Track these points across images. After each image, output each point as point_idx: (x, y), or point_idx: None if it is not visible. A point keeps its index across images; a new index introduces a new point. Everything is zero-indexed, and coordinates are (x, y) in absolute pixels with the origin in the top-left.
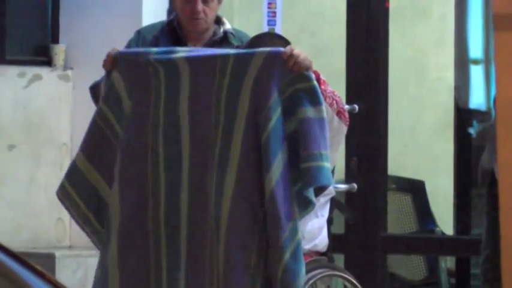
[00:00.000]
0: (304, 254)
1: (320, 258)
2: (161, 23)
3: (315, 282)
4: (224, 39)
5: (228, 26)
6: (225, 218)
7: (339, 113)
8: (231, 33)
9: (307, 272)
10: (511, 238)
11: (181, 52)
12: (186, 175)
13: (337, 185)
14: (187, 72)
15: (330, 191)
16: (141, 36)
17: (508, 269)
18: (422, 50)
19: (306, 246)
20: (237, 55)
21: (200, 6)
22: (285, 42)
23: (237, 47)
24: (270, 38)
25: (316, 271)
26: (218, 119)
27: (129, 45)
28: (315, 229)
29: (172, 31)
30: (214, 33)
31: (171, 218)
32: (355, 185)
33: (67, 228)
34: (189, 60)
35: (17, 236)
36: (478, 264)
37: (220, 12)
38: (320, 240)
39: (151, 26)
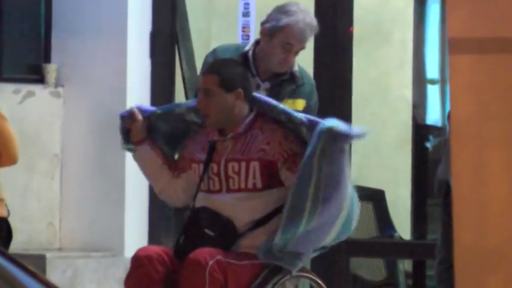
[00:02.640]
0: None
1: None
2: (236, 47)
3: (284, 283)
4: (290, 79)
5: (296, 67)
6: None
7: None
8: (296, 74)
9: (277, 273)
10: (463, 242)
11: None
12: None
13: None
14: None
15: None
16: (216, 55)
17: (461, 270)
18: (384, 71)
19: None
20: None
21: (292, 58)
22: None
23: (297, 86)
24: (230, 62)
25: (285, 272)
26: None
27: (205, 62)
28: None
29: (244, 62)
30: (284, 72)
31: None
32: None
33: (57, 231)
34: None
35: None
36: (433, 266)
37: (199, 36)
38: None
39: (226, 48)
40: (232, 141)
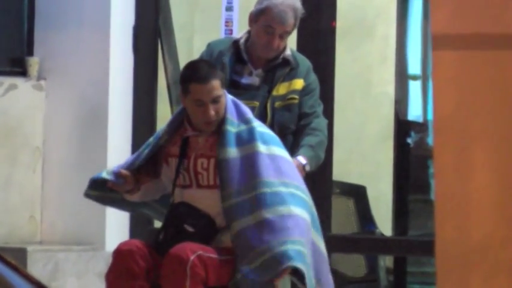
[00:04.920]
0: None
1: None
2: (230, 38)
3: None
4: (283, 63)
5: (288, 52)
6: None
7: None
8: (288, 58)
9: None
10: (444, 240)
11: None
12: None
13: None
14: None
15: None
16: (210, 49)
17: (442, 266)
18: (367, 66)
19: None
20: None
21: (277, 41)
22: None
23: (291, 70)
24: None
25: None
26: None
27: (201, 58)
28: None
29: (237, 50)
30: (276, 57)
31: None
32: None
33: (38, 225)
34: None
35: None
36: (414, 262)
37: (181, 31)
38: None
39: (220, 41)
40: (205, 136)
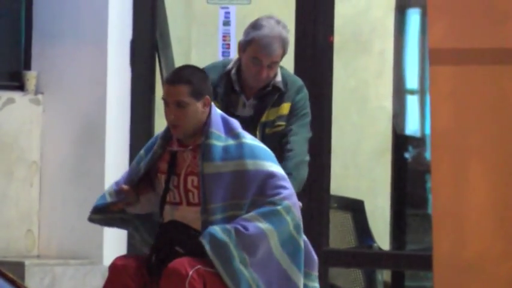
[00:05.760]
0: None
1: None
2: (223, 63)
3: None
4: (273, 89)
5: (278, 78)
6: None
7: None
8: (278, 85)
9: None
10: (442, 254)
11: None
12: None
13: None
14: None
15: None
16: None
17: (440, 280)
18: (363, 81)
19: None
20: None
21: (265, 72)
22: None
23: (281, 94)
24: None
25: None
26: None
27: None
28: None
29: (229, 81)
30: (266, 85)
31: None
32: (300, 203)
33: (36, 239)
34: None
35: None
36: (412, 277)
37: (179, 44)
38: None
39: (214, 66)
40: (192, 152)
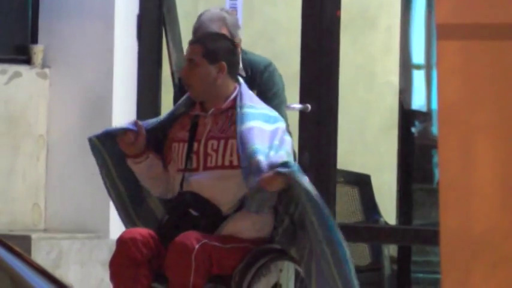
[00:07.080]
0: (254, 242)
1: (271, 246)
2: None
3: (269, 266)
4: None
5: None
6: None
7: None
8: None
9: (260, 257)
10: (449, 229)
11: None
12: None
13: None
14: None
15: None
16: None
17: (446, 256)
18: (370, 56)
19: (255, 235)
20: None
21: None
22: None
23: (246, 76)
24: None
25: (270, 255)
26: None
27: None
28: (264, 219)
29: None
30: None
31: None
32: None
33: (42, 212)
34: None
35: None
36: (418, 252)
37: (186, 19)
38: (268, 230)
39: None
40: (213, 117)
